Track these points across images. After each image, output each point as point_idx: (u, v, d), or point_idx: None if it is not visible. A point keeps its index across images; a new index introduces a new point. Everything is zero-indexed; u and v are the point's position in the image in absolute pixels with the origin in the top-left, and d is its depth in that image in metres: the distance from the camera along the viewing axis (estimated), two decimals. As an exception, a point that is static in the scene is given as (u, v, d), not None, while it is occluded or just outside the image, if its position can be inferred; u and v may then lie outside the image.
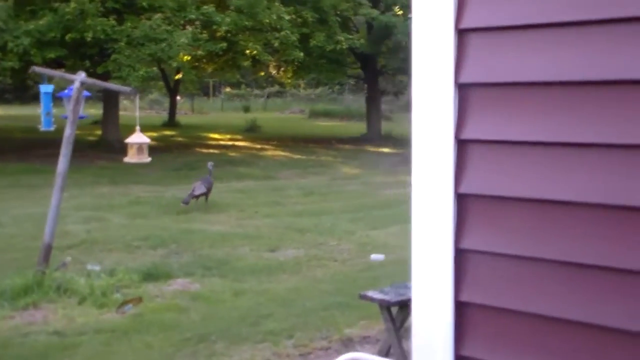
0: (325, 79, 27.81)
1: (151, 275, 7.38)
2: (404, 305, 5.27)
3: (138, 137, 6.35)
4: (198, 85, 40.99)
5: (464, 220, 1.77)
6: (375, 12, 19.78)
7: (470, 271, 1.77)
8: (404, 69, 24.80)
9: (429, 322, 1.83)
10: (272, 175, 16.63)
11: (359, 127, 28.80)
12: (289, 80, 36.22)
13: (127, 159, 6.45)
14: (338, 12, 20.36)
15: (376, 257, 8.43)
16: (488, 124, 1.72)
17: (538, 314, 1.66)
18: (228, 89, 52.52)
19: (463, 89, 1.75)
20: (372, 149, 22.96)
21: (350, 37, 20.28)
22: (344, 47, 19.86)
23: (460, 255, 1.79)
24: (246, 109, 43.84)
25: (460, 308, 1.79)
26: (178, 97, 35.10)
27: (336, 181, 16.05)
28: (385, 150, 22.68)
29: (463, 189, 1.76)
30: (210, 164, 12.33)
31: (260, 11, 17.20)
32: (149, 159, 6.42)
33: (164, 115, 32.72)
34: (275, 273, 7.72)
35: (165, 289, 7.03)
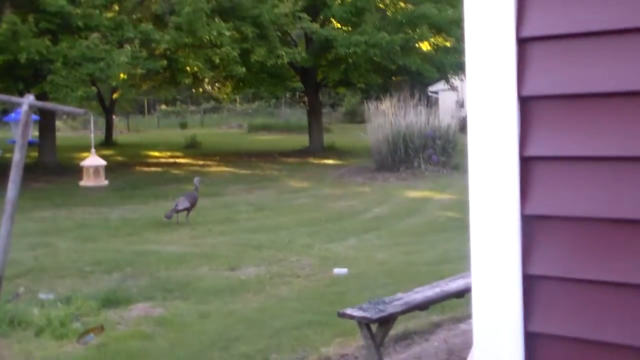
0: (266, 93, 27.65)
1: (110, 301, 7.07)
2: (384, 322, 5.16)
3: (94, 160, 6.07)
4: (134, 103, 40.35)
5: (532, 245, 1.65)
6: (315, 26, 19.72)
7: (541, 299, 1.65)
8: (344, 81, 24.91)
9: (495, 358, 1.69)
10: (219, 192, 16.34)
11: (300, 140, 28.72)
12: (225, 96, 35.97)
13: (83, 183, 6.16)
14: (277, 27, 20.24)
15: (339, 271, 8.30)
16: (554, 139, 1.61)
17: (613, 343, 1.55)
18: (163, 106, 51.86)
19: (526, 103, 1.64)
20: (316, 161, 22.88)
21: (291, 51, 20.17)
22: (285, 61, 19.74)
23: (529, 282, 1.66)
24: (183, 126, 43.40)
25: (531, 339, 1.67)
26: (114, 116, 34.36)
27: (285, 195, 15.87)
28: (330, 162, 22.63)
29: (529, 210, 1.64)
30: (196, 179, 12.61)
31: (200, 28, 16.94)
32: (106, 182, 6.15)
33: (100, 135, 32.03)
34: (239, 293, 7.51)
35: (126, 315, 6.74)
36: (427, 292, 5.50)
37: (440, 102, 38.27)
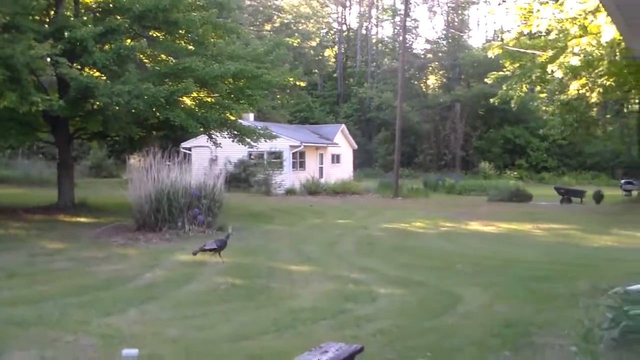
0: (16, 143, 25.01)
1: None
2: None
3: None
4: None
5: None
6: (75, 72, 18.16)
7: None
8: (101, 133, 23.34)
9: None
10: (-44, 254, 14.13)
11: (45, 195, 26.35)
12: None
13: None
14: (32, 70, 18.35)
15: (129, 352, 7.12)
16: None
17: None
18: None
19: None
20: (67, 219, 20.96)
21: (48, 98, 18.35)
22: (40, 109, 17.87)
23: None
24: None
25: None
26: None
27: (38, 258, 14.07)
28: (83, 220, 20.88)
29: None
30: (230, 227, 14.58)
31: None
32: None
33: None
34: (9, 387, 6.15)
35: None
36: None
37: (193, 158, 37.65)
